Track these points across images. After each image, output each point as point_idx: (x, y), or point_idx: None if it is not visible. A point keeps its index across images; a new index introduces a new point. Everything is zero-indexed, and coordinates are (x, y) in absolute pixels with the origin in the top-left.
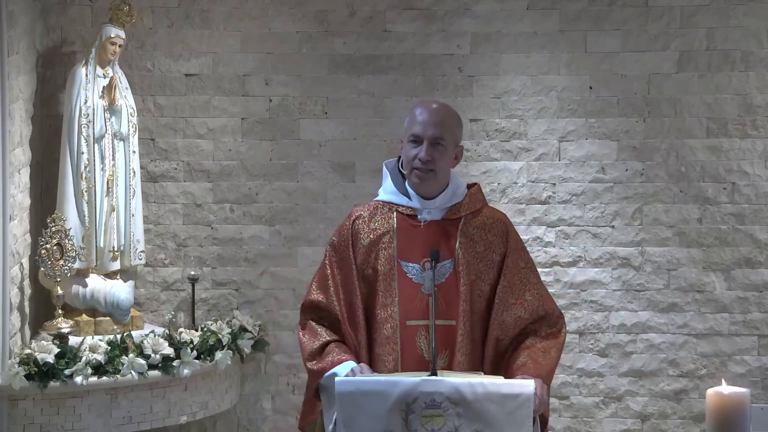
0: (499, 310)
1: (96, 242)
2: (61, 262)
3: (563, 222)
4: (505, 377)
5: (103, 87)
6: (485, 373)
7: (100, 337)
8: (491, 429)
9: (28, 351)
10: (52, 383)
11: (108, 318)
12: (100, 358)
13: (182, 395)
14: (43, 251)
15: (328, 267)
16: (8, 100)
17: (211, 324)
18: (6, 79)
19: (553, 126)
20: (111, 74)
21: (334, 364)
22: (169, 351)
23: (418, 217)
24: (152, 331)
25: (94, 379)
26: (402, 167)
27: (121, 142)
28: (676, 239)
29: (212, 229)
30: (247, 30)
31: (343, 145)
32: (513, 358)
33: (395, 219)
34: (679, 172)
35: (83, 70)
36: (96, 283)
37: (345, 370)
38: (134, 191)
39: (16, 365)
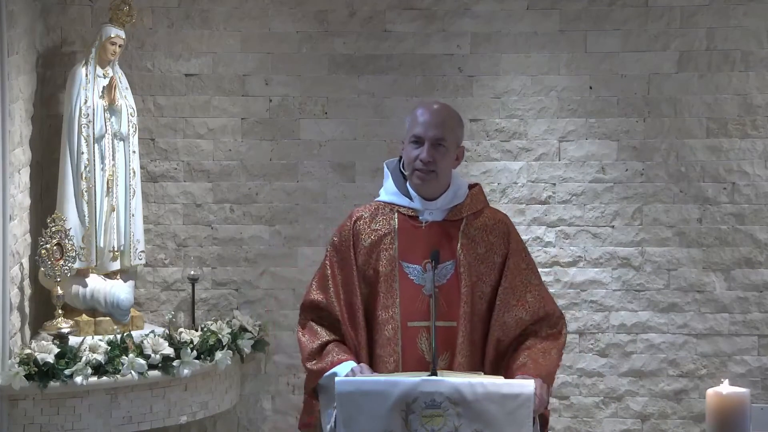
0: (500, 312)
1: (96, 242)
2: (61, 262)
3: (563, 222)
4: (505, 377)
5: (103, 87)
6: (486, 374)
7: (100, 337)
8: (491, 429)
9: (28, 351)
10: (52, 383)
11: (108, 318)
12: (100, 358)
13: (182, 395)
14: (43, 251)
15: (328, 267)
16: (8, 100)
17: (211, 324)
18: (6, 79)
19: (553, 126)
20: (111, 74)
21: (333, 364)
22: (169, 351)
23: (420, 218)
24: (152, 331)
25: (94, 379)
26: (403, 168)
27: (121, 142)
28: (676, 239)
29: (212, 229)
30: (247, 30)
31: (343, 145)
32: (513, 359)
33: (396, 220)
34: (679, 172)
35: (83, 70)
36: (96, 283)
37: (345, 370)
38: (134, 191)
39: (16, 365)
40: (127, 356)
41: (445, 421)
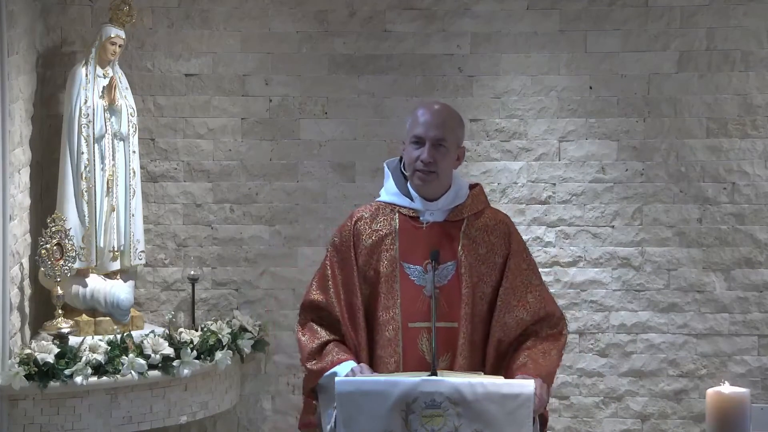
0: (501, 312)
1: (96, 242)
2: (61, 262)
3: (563, 222)
4: (505, 377)
5: (103, 87)
6: (486, 375)
7: (100, 337)
8: (491, 429)
9: (28, 351)
10: (52, 383)
11: (108, 318)
12: (100, 358)
13: (182, 395)
14: (43, 251)
15: (329, 267)
16: (8, 100)
17: (211, 324)
18: (6, 79)
19: (553, 126)
20: (111, 74)
21: (333, 364)
22: (169, 351)
23: (421, 218)
24: (152, 331)
25: (94, 379)
26: (404, 168)
27: (121, 142)
28: (676, 239)
29: (212, 229)
30: (247, 30)
31: (343, 145)
32: (513, 359)
33: (397, 220)
34: (679, 172)
35: (83, 70)
36: (96, 283)
37: (345, 370)
38: (134, 191)
39: (16, 365)
40: (127, 356)
41: (445, 421)
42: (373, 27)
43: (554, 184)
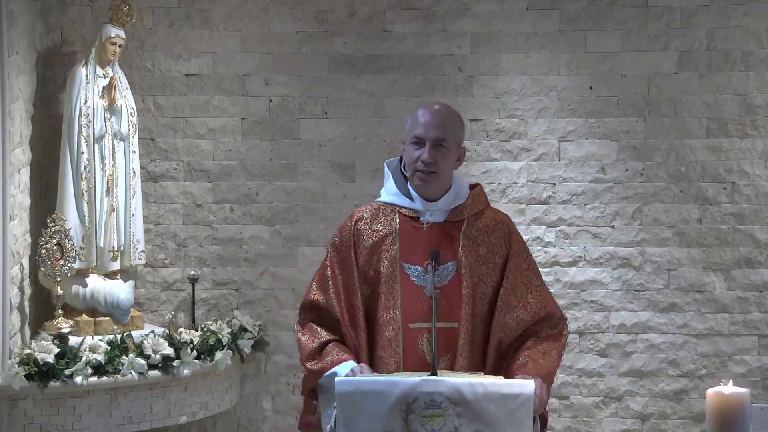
0: (501, 313)
1: (96, 242)
2: (61, 262)
3: (563, 222)
4: (505, 377)
5: (103, 87)
6: (486, 375)
7: (100, 337)
8: (491, 429)
9: (28, 351)
10: (52, 383)
11: (108, 318)
12: (100, 358)
13: (182, 395)
14: (43, 251)
15: (329, 267)
16: (8, 100)
17: (211, 324)
18: (6, 79)
19: (553, 126)
20: (111, 74)
21: (333, 364)
22: (169, 351)
23: (421, 219)
24: (152, 331)
25: (94, 379)
26: (404, 168)
27: (121, 142)
28: (676, 239)
29: (212, 229)
30: (247, 30)
31: (343, 145)
32: (513, 359)
33: (398, 221)
34: (679, 172)
35: (83, 70)
36: (96, 283)
37: (345, 370)
38: (134, 191)
39: (16, 365)
40: (127, 356)
41: (445, 421)
42: (373, 27)
43: (554, 184)
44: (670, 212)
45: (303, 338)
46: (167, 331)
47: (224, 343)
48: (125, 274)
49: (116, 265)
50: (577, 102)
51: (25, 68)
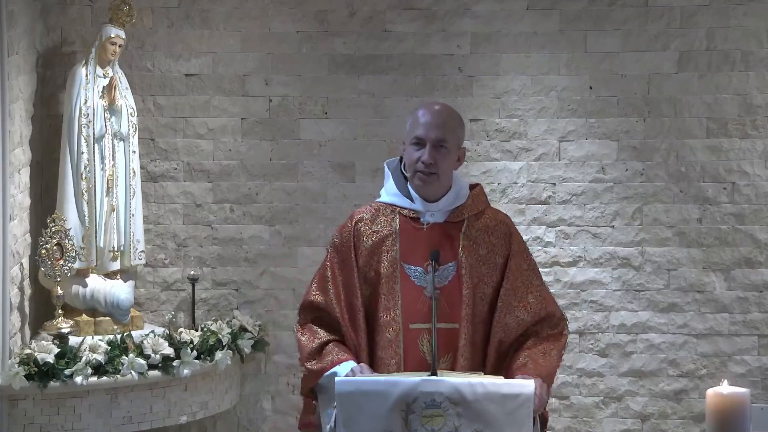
0: (501, 313)
1: (96, 242)
2: (61, 262)
3: (563, 222)
4: (506, 377)
5: (103, 87)
6: (486, 375)
7: (100, 337)
8: (491, 429)
9: (28, 351)
10: (52, 383)
11: (108, 318)
12: (100, 358)
13: (182, 395)
14: (43, 251)
15: (329, 268)
16: (8, 100)
17: (211, 324)
18: (6, 79)
19: (553, 126)
20: (111, 74)
21: (333, 364)
22: (169, 351)
23: (421, 219)
24: (152, 331)
25: (94, 379)
26: (404, 168)
27: (121, 142)
28: (676, 239)
29: (212, 229)
30: (247, 30)
31: (343, 145)
32: (513, 359)
33: (398, 221)
34: (679, 172)
35: (83, 70)
36: (96, 283)
37: (345, 370)
38: (134, 191)
39: (16, 365)
40: (127, 356)
41: (445, 421)
42: (373, 27)
43: (554, 184)
44: (670, 212)
45: (303, 338)
46: (167, 331)
47: (224, 343)
48: (125, 274)
49: (116, 265)
50: (577, 102)
51: (25, 68)
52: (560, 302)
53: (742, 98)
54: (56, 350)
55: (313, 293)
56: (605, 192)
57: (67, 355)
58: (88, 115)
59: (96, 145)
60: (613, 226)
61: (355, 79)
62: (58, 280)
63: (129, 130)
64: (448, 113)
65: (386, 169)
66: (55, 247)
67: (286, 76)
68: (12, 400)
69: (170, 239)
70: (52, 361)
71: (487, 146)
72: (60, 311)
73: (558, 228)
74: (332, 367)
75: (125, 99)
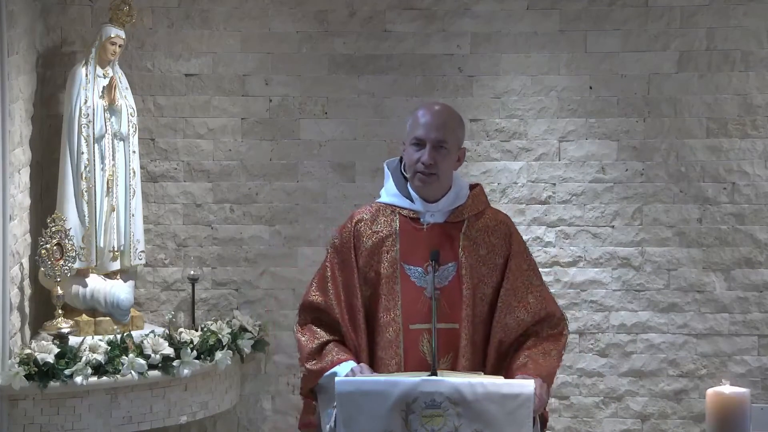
0: (502, 313)
1: (96, 242)
2: (61, 262)
3: (563, 222)
4: (506, 377)
5: (103, 87)
6: (486, 375)
7: (100, 337)
8: (491, 429)
9: (28, 351)
10: (52, 383)
11: (108, 318)
12: (100, 358)
13: (182, 395)
14: (43, 251)
15: (328, 269)
16: (8, 100)
17: (211, 324)
18: (6, 79)
19: (553, 126)
20: (111, 74)
21: (333, 364)
22: (169, 351)
23: (421, 220)
24: (152, 331)
25: (94, 379)
26: (404, 169)
27: (121, 142)
28: (676, 239)
29: (212, 229)
30: (247, 30)
31: (343, 145)
32: (513, 359)
33: (398, 222)
34: (679, 172)
35: (83, 70)
36: (96, 283)
37: (345, 370)
38: (134, 191)
39: (16, 365)
40: (127, 356)
41: (445, 421)
42: (373, 27)
43: (554, 184)
44: (670, 212)
45: (302, 339)
46: (167, 331)
47: (224, 343)
48: (125, 274)
49: (116, 265)
50: (577, 102)
51: (25, 68)
52: (560, 302)
53: (742, 98)
54: (56, 350)
55: (313, 293)
56: (605, 192)
57: (67, 355)
58: (88, 115)
59: (96, 145)
60: (613, 226)
61: (355, 79)
62: (58, 280)
63: (129, 130)
64: (448, 114)
65: (386, 169)
66: (55, 247)
67: (286, 76)
68: (12, 400)
69: (170, 239)
70: (52, 361)
71: (487, 146)
72: (60, 311)
73: (558, 228)
74: (332, 367)
75: (125, 99)
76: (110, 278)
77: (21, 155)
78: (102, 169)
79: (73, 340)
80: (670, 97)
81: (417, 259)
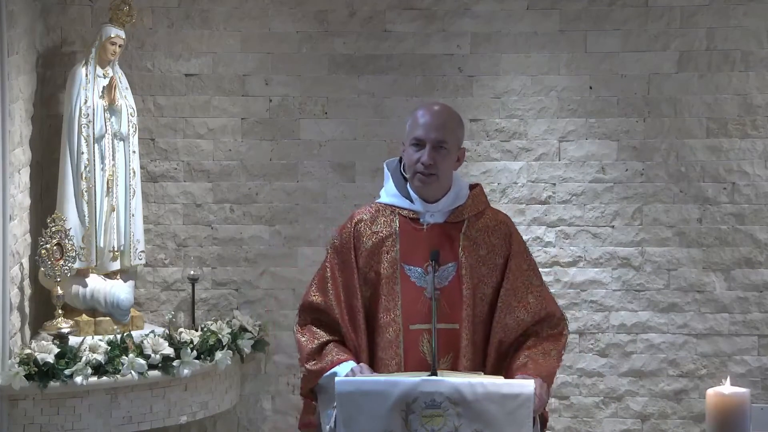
0: (502, 314)
1: (96, 242)
2: (61, 262)
3: (563, 222)
4: (506, 377)
5: (103, 87)
6: (486, 375)
7: (100, 337)
8: (491, 429)
9: (28, 351)
10: (52, 383)
11: (108, 318)
12: (100, 358)
13: (182, 395)
14: (43, 251)
15: (328, 269)
16: (8, 100)
17: (211, 324)
18: (6, 79)
19: (553, 126)
20: (111, 74)
21: (333, 364)
22: (169, 351)
23: (421, 220)
24: (152, 331)
25: (94, 379)
26: (404, 169)
27: (121, 142)
28: (676, 239)
29: (212, 229)
30: (247, 30)
31: (343, 145)
32: (513, 359)
33: (398, 222)
34: (679, 172)
35: (83, 70)
36: (96, 283)
37: (345, 370)
38: (134, 191)
39: (16, 365)
40: (127, 356)
41: (445, 421)
42: (373, 27)
43: (554, 184)
44: (670, 212)
45: (302, 339)
46: (167, 331)
47: (224, 343)
48: (125, 274)
49: (116, 265)
50: (577, 102)
51: (25, 68)
52: (560, 302)
53: (742, 98)
54: (56, 350)
55: (313, 294)
56: (605, 192)
57: (67, 355)
58: (88, 115)
59: (96, 145)
60: (613, 226)
61: (355, 79)
62: (58, 280)
63: (129, 130)
64: (447, 114)
65: (386, 169)
66: (55, 247)
67: (286, 76)
68: (12, 400)
69: (170, 239)
70: (52, 361)
71: (487, 146)
72: (60, 311)
73: (558, 228)
74: (332, 368)
75: (125, 99)
76: (110, 278)
77: (21, 155)
78: (102, 169)
79: (73, 340)
80: (670, 97)
81: (417, 259)
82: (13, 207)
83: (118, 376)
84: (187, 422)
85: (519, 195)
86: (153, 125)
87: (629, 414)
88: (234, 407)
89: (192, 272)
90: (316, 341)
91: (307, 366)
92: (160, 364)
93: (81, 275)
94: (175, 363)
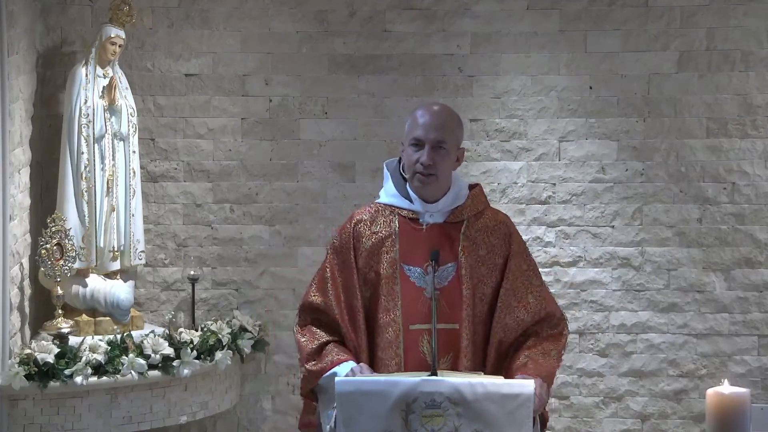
0: (501, 314)
1: (96, 242)
2: (61, 262)
3: (563, 222)
4: (506, 377)
5: (103, 87)
6: (486, 375)
7: (100, 337)
8: (491, 429)
9: (28, 351)
10: (52, 383)
11: (108, 318)
12: (100, 358)
13: (182, 395)
14: (43, 251)
15: (328, 269)
16: (8, 100)
17: (211, 324)
18: (6, 79)
19: (553, 126)
20: (111, 74)
21: (333, 364)
22: (169, 351)
23: (420, 220)
24: (152, 331)
25: (94, 379)
26: (403, 169)
27: (121, 142)
28: (676, 239)
29: (212, 229)
30: (247, 30)
31: (343, 145)
32: (513, 359)
33: (397, 222)
34: (679, 172)
35: (83, 70)
36: (96, 283)
37: (345, 370)
38: (134, 191)
39: (16, 365)
40: (127, 356)
41: (445, 421)
42: (373, 27)
43: (554, 184)
44: (670, 212)
45: (302, 339)
46: (167, 331)
47: (224, 343)
48: (125, 274)
49: (116, 265)
50: (577, 102)
51: (25, 68)
52: (560, 302)
53: (742, 98)
54: (56, 350)
55: (313, 294)
56: (605, 192)
57: (67, 355)
58: (88, 115)
59: (96, 145)
60: (613, 226)
61: (355, 79)
62: (58, 280)
63: (129, 130)
64: (446, 114)
65: (385, 170)
66: (55, 247)
67: (286, 76)
68: (12, 400)
69: (170, 239)
70: (52, 361)
71: (487, 146)
72: (60, 311)
73: (558, 228)
74: (332, 368)
75: (125, 99)
76: (110, 278)
77: (21, 155)
78: (102, 169)
79: (73, 340)
80: (670, 97)
81: (417, 259)
82: (13, 207)
83: (118, 376)
84: (187, 422)
85: (519, 195)
86: (153, 125)
87: (629, 414)
88: (234, 407)
89: (192, 272)
90: (316, 341)
91: (307, 366)
92: (160, 364)
93: (81, 275)
94: (175, 363)
